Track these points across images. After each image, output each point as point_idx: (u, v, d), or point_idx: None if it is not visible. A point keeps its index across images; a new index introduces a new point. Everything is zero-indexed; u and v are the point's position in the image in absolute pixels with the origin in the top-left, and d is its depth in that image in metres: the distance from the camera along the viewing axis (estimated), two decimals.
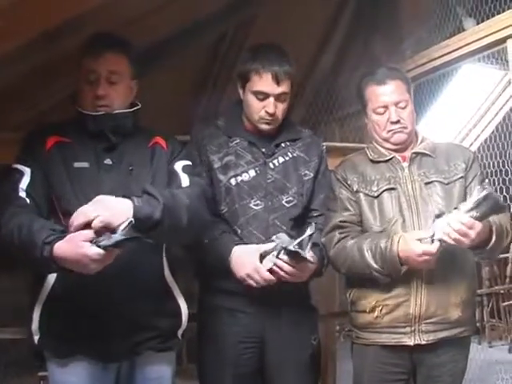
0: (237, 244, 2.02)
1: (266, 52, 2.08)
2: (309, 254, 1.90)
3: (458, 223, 1.81)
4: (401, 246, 1.91)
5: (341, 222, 2.08)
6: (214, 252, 2.03)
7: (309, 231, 1.90)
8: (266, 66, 2.04)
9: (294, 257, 1.90)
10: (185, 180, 1.88)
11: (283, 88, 2.07)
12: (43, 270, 1.71)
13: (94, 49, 1.86)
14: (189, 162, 1.95)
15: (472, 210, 1.80)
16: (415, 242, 1.88)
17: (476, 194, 1.80)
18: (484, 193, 1.78)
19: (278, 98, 2.07)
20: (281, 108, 2.10)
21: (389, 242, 1.93)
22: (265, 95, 2.06)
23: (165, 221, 1.67)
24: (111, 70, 1.86)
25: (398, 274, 1.94)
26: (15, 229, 1.62)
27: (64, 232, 1.61)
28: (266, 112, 2.07)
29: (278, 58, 2.06)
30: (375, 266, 1.95)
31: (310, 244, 1.90)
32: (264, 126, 2.11)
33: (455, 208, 1.88)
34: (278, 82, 2.04)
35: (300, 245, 1.90)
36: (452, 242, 1.84)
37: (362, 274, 2.02)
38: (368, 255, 1.96)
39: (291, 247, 1.88)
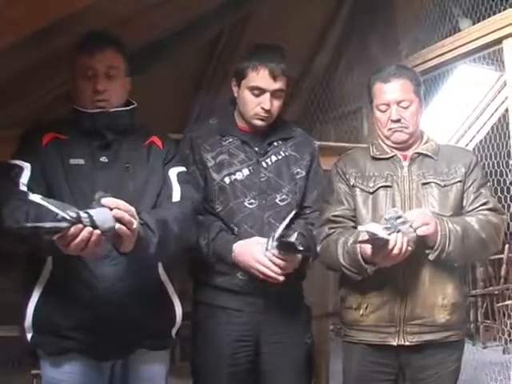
0: (235, 240, 2.03)
1: (264, 50, 2.10)
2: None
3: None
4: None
5: (333, 216, 2.09)
6: (214, 251, 2.03)
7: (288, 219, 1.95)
8: (263, 62, 2.05)
9: (286, 247, 1.91)
10: (176, 191, 1.87)
11: (279, 84, 2.07)
12: (53, 253, 1.67)
13: (91, 45, 1.87)
14: (183, 169, 1.95)
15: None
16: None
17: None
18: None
19: (274, 94, 2.08)
20: (276, 105, 2.10)
21: (354, 239, 1.92)
22: (261, 91, 2.06)
23: (156, 253, 1.69)
24: (109, 64, 1.87)
25: (365, 272, 1.92)
26: (23, 216, 1.59)
27: None
28: (262, 108, 2.07)
29: (275, 56, 2.08)
30: (344, 263, 1.96)
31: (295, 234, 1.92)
32: (258, 122, 2.11)
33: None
34: (274, 77, 2.05)
35: (285, 235, 1.93)
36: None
37: (339, 271, 2.04)
38: (340, 253, 1.97)
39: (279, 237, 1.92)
